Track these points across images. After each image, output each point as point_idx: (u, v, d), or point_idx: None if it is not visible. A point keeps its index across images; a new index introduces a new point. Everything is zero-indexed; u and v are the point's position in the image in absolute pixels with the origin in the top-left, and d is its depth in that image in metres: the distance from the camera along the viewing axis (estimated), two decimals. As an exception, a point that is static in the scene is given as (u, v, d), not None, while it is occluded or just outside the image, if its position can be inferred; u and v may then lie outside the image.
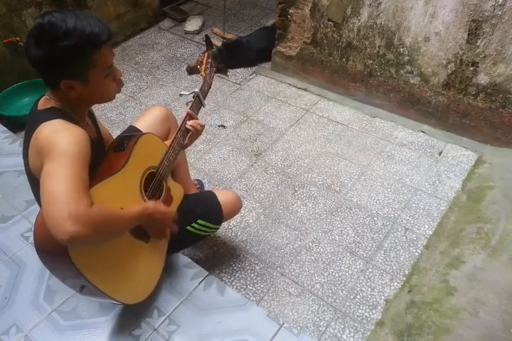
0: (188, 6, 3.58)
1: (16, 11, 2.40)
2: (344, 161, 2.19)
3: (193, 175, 2.11)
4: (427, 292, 1.57)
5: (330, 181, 2.09)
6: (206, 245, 1.80)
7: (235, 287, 1.65)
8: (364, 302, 1.61)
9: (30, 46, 0.93)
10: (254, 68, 2.88)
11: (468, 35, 1.91)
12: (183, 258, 1.52)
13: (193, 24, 3.25)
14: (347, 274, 1.70)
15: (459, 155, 2.20)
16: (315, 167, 2.17)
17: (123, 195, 1.10)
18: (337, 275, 1.70)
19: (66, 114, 1.03)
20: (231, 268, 1.72)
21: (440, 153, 2.22)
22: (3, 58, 2.44)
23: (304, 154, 2.24)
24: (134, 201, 1.13)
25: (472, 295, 1.51)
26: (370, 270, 1.71)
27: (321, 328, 1.53)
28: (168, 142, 1.32)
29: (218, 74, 2.78)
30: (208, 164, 2.20)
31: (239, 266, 1.72)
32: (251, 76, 2.82)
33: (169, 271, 1.45)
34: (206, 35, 2.77)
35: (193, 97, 1.39)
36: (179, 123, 1.34)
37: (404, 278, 1.67)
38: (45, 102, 1.05)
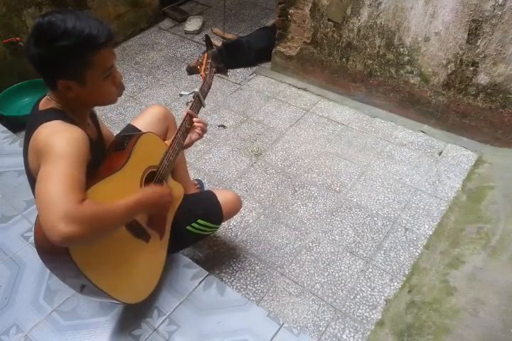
0: (188, 6, 3.58)
1: (16, 11, 2.40)
2: (344, 161, 2.19)
3: (193, 175, 2.11)
4: (427, 292, 1.57)
5: (330, 181, 2.09)
6: (206, 245, 1.80)
7: (235, 287, 1.65)
8: (364, 302, 1.61)
9: (30, 45, 0.94)
10: (254, 68, 2.88)
11: (468, 35, 1.91)
12: (183, 258, 1.52)
13: (193, 24, 3.25)
14: (347, 274, 1.70)
15: (459, 155, 2.20)
16: (315, 167, 2.17)
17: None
18: (337, 275, 1.70)
19: (66, 115, 1.03)
20: (231, 268, 1.72)
21: (440, 153, 2.22)
22: (3, 58, 2.44)
23: (304, 154, 2.24)
24: None
25: (472, 295, 1.51)
26: (370, 270, 1.71)
27: (321, 328, 1.53)
28: (167, 142, 1.32)
29: (218, 74, 2.78)
30: (208, 164, 2.20)
31: (239, 266, 1.72)
32: (251, 76, 2.82)
33: (169, 271, 1.45)
34: (206, 35, 2.77)
35: (193, 97, 1.39)
36: (178, 123, 1.34)
37: (404, 278, 1.67)
38: (46, 102, 1.06)
